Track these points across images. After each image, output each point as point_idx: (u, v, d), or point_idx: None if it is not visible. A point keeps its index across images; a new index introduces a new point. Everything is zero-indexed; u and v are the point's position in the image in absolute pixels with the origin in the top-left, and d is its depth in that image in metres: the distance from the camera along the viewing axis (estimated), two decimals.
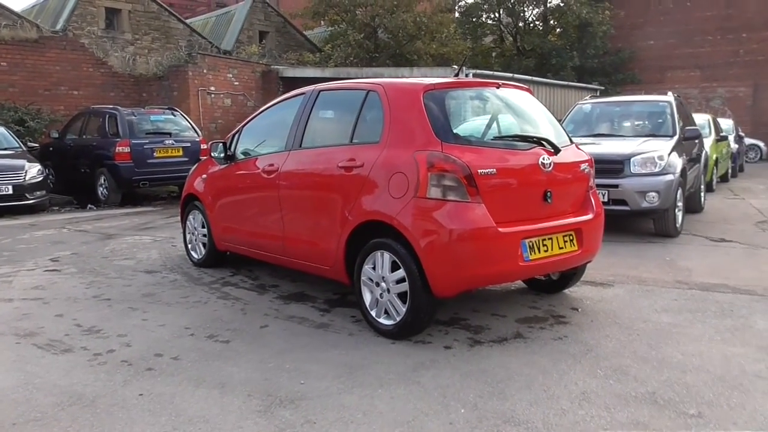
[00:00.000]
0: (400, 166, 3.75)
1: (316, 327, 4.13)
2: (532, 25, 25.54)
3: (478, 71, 14.81)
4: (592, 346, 3.70)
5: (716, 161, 11.88)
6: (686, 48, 24.95)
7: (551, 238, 3.93)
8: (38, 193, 9.76)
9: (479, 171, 3.63)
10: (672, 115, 8.08)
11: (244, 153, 5.29)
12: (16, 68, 13.33)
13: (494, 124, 4.14)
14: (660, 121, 8.17)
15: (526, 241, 3.78)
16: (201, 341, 3.88)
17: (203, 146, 11.48)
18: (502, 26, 25.40)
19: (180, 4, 26.55)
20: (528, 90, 4.57)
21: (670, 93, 8.73)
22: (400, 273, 3.74)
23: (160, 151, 11.08)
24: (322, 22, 21.55)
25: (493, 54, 25.71)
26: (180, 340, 3.91)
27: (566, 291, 4.80)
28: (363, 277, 4.00)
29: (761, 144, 22.03)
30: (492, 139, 3.99)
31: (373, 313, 3.97)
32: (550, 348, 3.68)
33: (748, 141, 20.16)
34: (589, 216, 4.22)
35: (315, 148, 4.51)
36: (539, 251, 3.85)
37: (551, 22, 25.33)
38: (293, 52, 20.36)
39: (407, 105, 3.92)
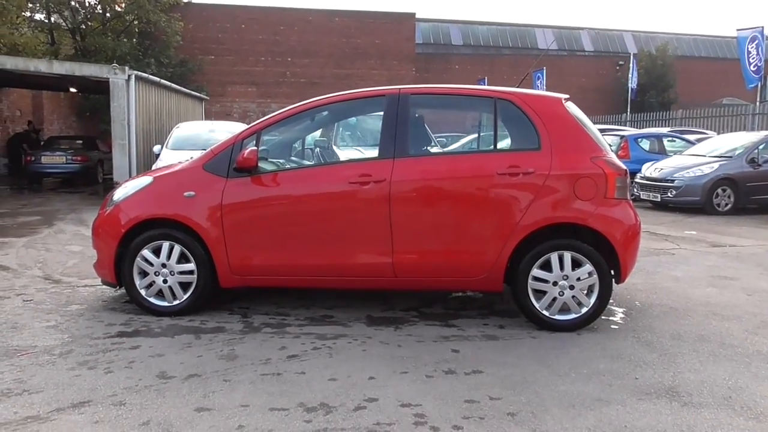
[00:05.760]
0: (584, 170, 4.11)
1: (498, 340, 3.99)
2: (91, 24, 23.31)
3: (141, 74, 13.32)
4: None
5: None
6: (243, 66, 27.40)
7: None
8: None
9: None
10: None
11: (273, 164, 4.33)
12: None
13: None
14: None
15: None
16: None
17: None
18: (66, 22, 22.40)
19: None
20: None
21: None
22: (586, 269, 4.10)
23: None
24: None
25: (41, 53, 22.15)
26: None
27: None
28: (529, 280, 4.14)
29: None
30: None
31: (546, 313, 4.15)
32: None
33: None
34: None
35: (436, 155, 4.23)
36: None
37: (108, 24, 23.61)
38: None
39: (558, 115, 4.26)
